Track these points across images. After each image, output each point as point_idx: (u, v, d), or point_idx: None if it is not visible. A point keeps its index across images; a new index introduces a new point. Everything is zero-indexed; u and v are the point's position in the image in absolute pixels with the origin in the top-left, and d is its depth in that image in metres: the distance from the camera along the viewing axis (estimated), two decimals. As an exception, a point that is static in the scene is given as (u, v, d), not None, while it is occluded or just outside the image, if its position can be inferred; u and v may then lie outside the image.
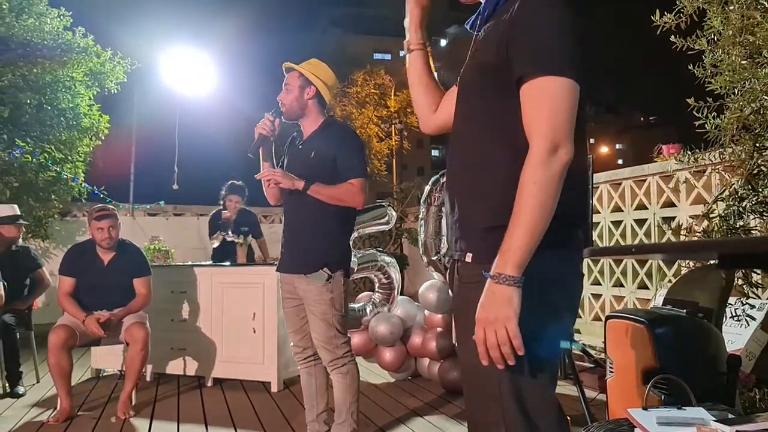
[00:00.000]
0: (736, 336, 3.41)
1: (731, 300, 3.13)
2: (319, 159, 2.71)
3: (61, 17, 7.56)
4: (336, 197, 2.68)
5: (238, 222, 5.57)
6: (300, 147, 2.83)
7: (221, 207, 5.72)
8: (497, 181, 1.31)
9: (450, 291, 1.49)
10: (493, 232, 1.28)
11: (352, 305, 4.56)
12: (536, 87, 1.24)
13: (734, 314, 3.11)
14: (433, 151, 48.93)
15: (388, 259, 4.48)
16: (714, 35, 3.13)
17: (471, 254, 1.33)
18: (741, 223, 3.03)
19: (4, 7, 6.89)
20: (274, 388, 4.25)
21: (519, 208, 1.21)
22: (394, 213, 4.45)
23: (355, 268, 4.22)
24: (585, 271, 5.37)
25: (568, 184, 1.24)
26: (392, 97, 19.29)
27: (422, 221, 4.31)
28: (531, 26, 1.26)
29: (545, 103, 1.23)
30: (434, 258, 4.28)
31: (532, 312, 1.22)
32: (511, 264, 1.20)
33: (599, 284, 5.50)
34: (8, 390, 4.18)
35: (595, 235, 5.07)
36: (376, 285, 4.51)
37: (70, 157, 7.69)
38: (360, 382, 2.81)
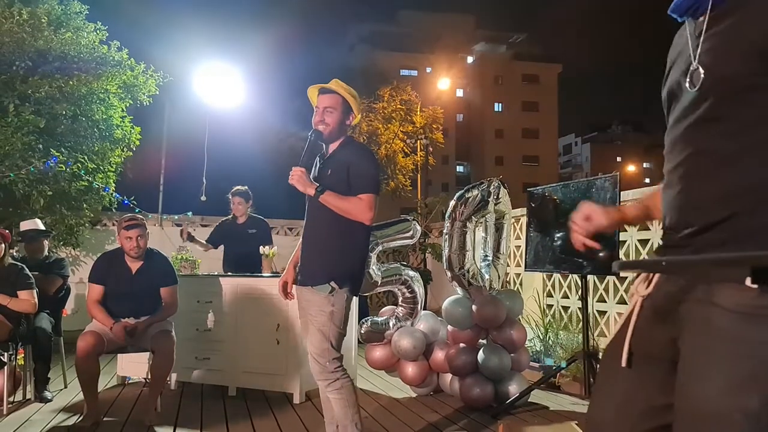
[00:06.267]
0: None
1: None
2: (333, 174, 2.77)
3: (98, 31, 7.76)
4: (344, 209, 2.71)
5: (247, 226, 5.50)
6: (321, 165, 2.90)
7: (231, 216, 5.59)
8: None
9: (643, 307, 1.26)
10: None
11: (375, 319, 4.56)
12: None
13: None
14: (458, 167, 48.83)
15: (411, 273, 4.48)
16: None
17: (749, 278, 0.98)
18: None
19: (43, 20, 7.10)
20: (296, 400, 4.27)
21: None
22: (418, 228, 4.46)
23: (379, 281, 4.23)
24: (590, 287, 5.33)
25: None
26: (418, 112, 19.34)
27: (447, 236, 4.31)
28: None
29: None
30: (458, 273, 4.27)
31: None
32: None
33: (604, 301, 5.42)
34: (36, 395, 4.27)
35: (621, 253, 4.99)
36: (400, 299, 4.51)
37: (101, 168, 7.84)
38: (357, 394, 2.79)
